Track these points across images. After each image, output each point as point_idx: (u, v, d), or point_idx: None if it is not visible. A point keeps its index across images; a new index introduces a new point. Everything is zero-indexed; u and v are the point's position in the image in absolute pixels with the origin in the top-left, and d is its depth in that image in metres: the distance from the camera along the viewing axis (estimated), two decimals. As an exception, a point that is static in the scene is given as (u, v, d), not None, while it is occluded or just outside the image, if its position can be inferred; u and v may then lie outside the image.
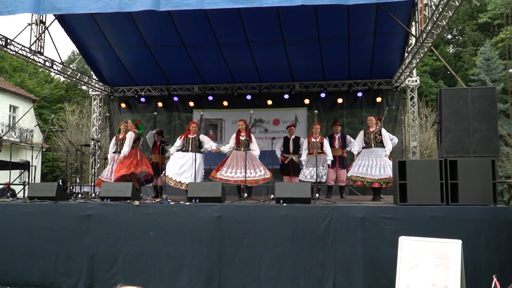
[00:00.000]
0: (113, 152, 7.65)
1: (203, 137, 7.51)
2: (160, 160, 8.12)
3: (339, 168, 8.12)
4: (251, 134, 7.49)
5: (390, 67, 10.00)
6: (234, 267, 5.14)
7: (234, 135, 7.57)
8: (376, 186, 7.01)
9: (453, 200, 5.19)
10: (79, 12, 5.36)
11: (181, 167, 7.18)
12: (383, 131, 7.37)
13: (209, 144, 7.42)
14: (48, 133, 16.51)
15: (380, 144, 7.22)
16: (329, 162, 7.52)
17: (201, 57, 9.97)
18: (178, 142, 7.53)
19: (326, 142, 7.60)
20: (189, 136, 7.46)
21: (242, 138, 7.34)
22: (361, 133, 7.49)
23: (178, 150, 7.43)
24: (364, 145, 7.34)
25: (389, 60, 9.75)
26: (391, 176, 6.46)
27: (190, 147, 7.31)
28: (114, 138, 7.87)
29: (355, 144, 7.53)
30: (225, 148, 7.58)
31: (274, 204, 5.50)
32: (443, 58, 16.97)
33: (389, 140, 7.35)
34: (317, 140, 7.46)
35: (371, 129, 7.35)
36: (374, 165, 7.05)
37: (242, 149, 7.20)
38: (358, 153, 7.36)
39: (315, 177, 7.12)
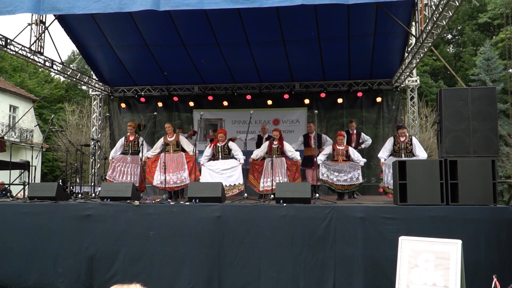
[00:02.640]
0: (122, 153, 7.57)
1: (232, 145, 7.49)
2: None
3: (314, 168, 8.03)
4: (283, 141, 7.52)
5: (390, 67, 10.00)
6: (234, 267, 5.14)
7: (268, 142, 7.62)
8: None
9: (453, 200, 5.19)
10: (79, 12, 5.35)
11: (219, 173, 7.18)
12: (414, 139, 7.17)
13: (238, 155, 7.33)
14: (48, 133, 16.50)
15: (410, 154, 7.00)
16: (362, 164, 7.40)
17: (201, 57, 9.97)
18: (208, 151, 7.49)
19: (352, 150, 7.55)
20: (218, 144, 7.45)
21: (274, 146, 7.42)
22: (391, 140, 7.28)
23: (209, 160, 7.42)
24: (393, 153, 7.16)
25: (389, 60, 9.75)
26: None
27: (220, 155, 7.35)
28: (123, 139, 7.77)
29: (383, 151, 7.28)
30: (255, 157, 7.57)
31: (274, 204, 5.49)
32: (443, 58, 16.97)
33: (422, 149, 7.10)
34: (342, 148, 7.45)
35: (401, 139, 7.15)
36: None
37: (274, 156, 7.25)
38: (385, 160, 7.14)
39: (341, 182, 7.13)
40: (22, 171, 9.15)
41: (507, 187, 20.72)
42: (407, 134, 7.23)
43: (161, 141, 7.58)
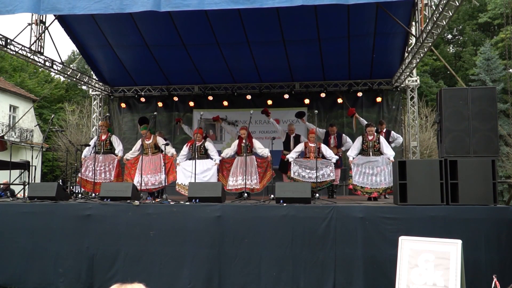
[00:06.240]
0: (96, 153, 7.49)
1: (208, 145, 7.50)
2: None
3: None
4: (253, 139, 7.55)
5: (390, 67, 10.00)
6: (234, 267, 5.15)
7: (237, 141, 7.65)
8: (375, 195, 6.99)
9: (453, 200, 5.19)
10: (80, 12, 5.35)
11: (191, 174, 7.20)
12: (381, 138, 7.35)
13: (214, 156, 7.38)
14: (48, 133, 16.50)
15: (378, 152, 7.19)
16: (334, 161, 7.42)
17: (201, 57, 9.97)
18: (185, 150, 7.52)
19: (324, 147, 7.59)
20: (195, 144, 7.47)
21: (243, 144, 7.39)
22: (359, 139, 7.42)
23: (186, 159, 7.45)
24: (362, 152, 7.30)
25: (389, 60, 9.75)
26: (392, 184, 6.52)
27: (196, 154, 7.33)
28: (96, 138, 7.83)
29: (352, 149, 7.43)
30: (225, 155, 7.60)
31: (274, 204, 5.50)
32: (443, 58, 16.96)
33: (389, 148, 7.31)
34: (314, 145, 7.47)
35: (369, 138, 7.30)
36: (372, 174, 7.01)
37: (244, 154, 7.23)
38: (353, 159, 7.24)
39: (312, 179, 7.11)
40: (22, 171, 9.14)
41: (507, 187, 20.72)
42: (375, 134, 7.37)
43: (139, 143, 7.67)
